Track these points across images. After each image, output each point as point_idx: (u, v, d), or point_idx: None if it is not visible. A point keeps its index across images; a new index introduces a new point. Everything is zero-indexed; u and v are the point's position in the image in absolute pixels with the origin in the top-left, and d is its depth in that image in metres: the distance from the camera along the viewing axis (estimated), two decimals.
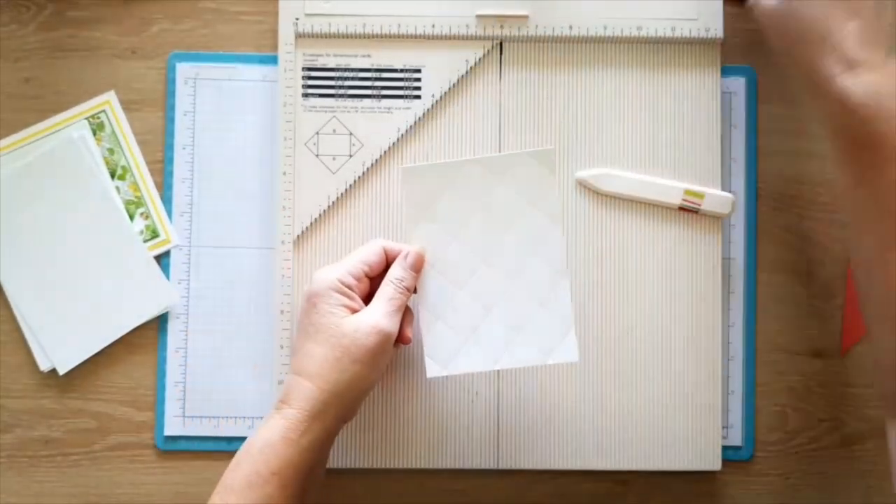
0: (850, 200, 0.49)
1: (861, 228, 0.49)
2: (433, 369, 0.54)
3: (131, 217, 0.61)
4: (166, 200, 0.61)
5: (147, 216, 0.61)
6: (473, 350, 0.54)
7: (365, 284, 0.54)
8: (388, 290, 0.53)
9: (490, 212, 0.55)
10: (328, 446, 0.53)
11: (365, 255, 0.54)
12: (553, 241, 0.54)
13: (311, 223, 0.60)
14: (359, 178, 0.60)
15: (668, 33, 0.60)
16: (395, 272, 0.53)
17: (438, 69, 0.60)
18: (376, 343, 0.51)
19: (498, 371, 0.59)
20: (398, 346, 0.54)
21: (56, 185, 0.60)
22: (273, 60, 0.61)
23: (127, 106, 0.62)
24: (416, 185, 0.54)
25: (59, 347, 0.60)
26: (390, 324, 0.51)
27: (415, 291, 0.55)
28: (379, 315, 0.51)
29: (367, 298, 0.53)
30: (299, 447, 0.49)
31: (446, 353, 0.54)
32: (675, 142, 0.60)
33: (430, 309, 0.55)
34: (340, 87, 0.60)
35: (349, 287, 0.52)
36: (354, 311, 0.52)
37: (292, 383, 0.51)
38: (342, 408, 0.51)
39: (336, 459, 0.59)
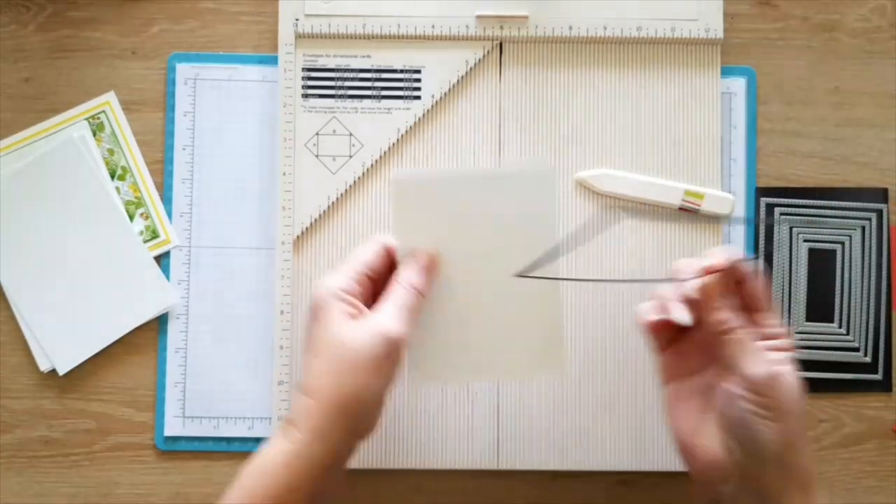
0: None
1: None
2: (416, 381, 0.53)
3: (131, 217, 0.61)
4: (166, 201, 0.61)
5: (147, 216, 0.61)
6: (459, 362, 0.53)
7: (367, 288, 0.50)
8: (395, 292, 0.49)
9: (483, 225, 0.52)
10: (337, 468, 0.47)
11: (365, 257, 0.50)
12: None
13: (311, 224, 0.60)
14: (359, 178, 0.60)
15: (668, 33, 0.60)
16: (405, 274, 0.49)
17: (438, 69, 0.60)
18: (380, 349, 0.46)
19: None
20: None
21: (56, 185, 0.60)
22: (273, 61, 0.61)
23: (127, 106, 0.62)
24: (407, 194, 0.52)
25: (59, 347, 0.60)
26: (396, 327, 0.47)
27: None
28: (382, 318, 0.47)
29: (372, 301, 0.50)
30: (300, 471, 0.45)
31: (431, 365, 0.52)
32: (675, 142, 0.60)
33: (420, 318, 0.52)
34: (340, 87, 0.60)
35: (351, 293, 0.48)
36: (356, 317, 0.48)
37: (295, 402, 0.47)
38: (348, 425, 0.46)
39: None
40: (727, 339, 0.47)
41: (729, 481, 0.47)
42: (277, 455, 0.46)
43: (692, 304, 0.48)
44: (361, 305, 0.48)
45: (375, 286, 0.50)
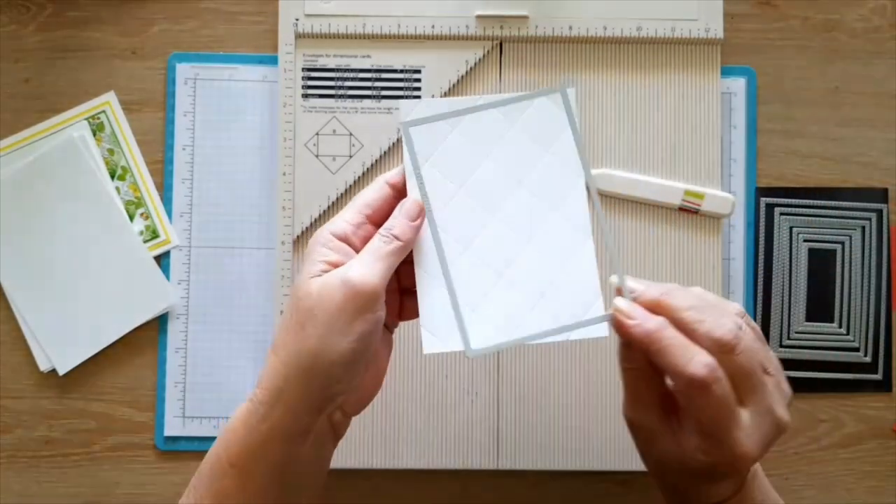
0: None
1: None
2: (432, 344, 0.45)
3: (131, 217, 0.61)
4: (166, 201, 0.61)
5: (147, 216, 0.61)
6: (481, 322, 0.45)
7: (368, 231, 0.44)
8: (372, 241, 0.43)
9: (502, 159, 0.46)
10: (305, 439, 0.42)
11: (365, 196, 0.44)
12: (574, 193, 0.46)
13: (311, 223, 0.60)
14: (359, 178, 0.60)
15: (668, 33, 0.60)
16: (386, 222, 0.44)
17: (438, 69, 0.60)
18: (343, 299, 0.40)
19: (498, 369, 0.59)
20: (398, 320, 0.47)
21: (56, 185, 0.60)
22: (273, 60, 0.61)
23: (127, 106, 0.62)
24: (418, 125, 0.46)
25: (59, 347, 0.60)
26: (365, 275, 0.41)
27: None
28: (351, 266, 0.42)
29: None
30: (259, 434, 0.41)
31: (448, 326, 0.45)
32: (675, 142, 0.60)
33: (430, 271, 0.45)
34: (340, 87, 0.60)
35: (342, 237, 0.43)
36: (340, 265, 0.43)
37: (266, 361, 0.43)
38: (311, 387, 0.41)
39: (336, 459, 0.58)
40: (650, 352, 0.41)
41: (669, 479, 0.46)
42: (239, 417, 0.42)
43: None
44: (350, 249, 0.43)
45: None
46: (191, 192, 0.61)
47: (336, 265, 0.42)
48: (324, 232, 0.43)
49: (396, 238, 0.43)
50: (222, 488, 0.41)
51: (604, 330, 0.45)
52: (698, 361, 0.40)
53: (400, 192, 0.45)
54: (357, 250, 0.43)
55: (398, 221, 0.44)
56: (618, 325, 0.42)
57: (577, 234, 0.46)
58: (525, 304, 0.46)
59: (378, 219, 0.44)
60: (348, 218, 0.44)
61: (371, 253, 0.42)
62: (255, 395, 0.42)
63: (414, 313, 0.45)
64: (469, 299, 0.45)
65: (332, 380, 0.41)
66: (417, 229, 0.44)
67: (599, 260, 0.46)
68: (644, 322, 0.41)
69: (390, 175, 0.45)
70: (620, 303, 0.43)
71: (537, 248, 0.46)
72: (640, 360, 0.43)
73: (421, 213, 0.45)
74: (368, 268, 0.41)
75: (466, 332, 0.45)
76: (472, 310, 0.45)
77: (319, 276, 0.42)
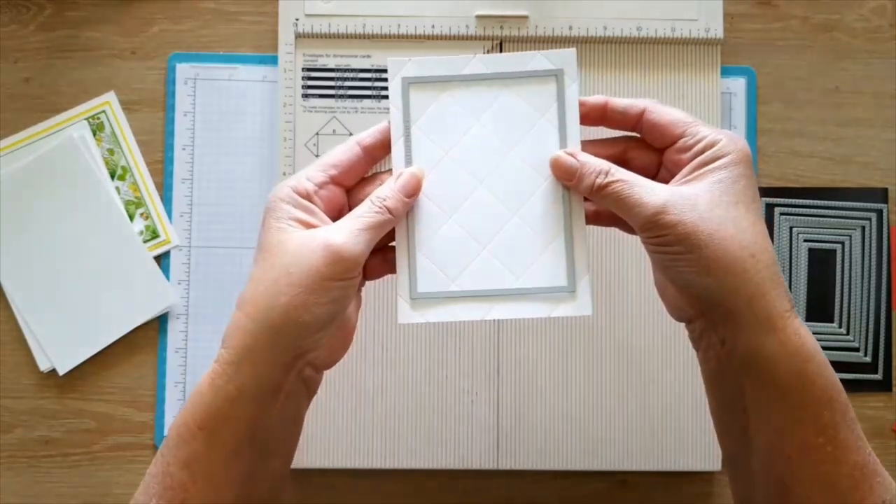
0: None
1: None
2: (407, 314, 0.44)
3: (131, 217, 0.61)
4: (166, 201, 0.61)
5: (147, 216, 0.61)
6: (461, 291, 0.44)
7: (333, 193, 0.43)
8: (361, 206, 0.42)
9: (493, 123, 0.45)
10: (274, 396, 0.40)
11: (332, 155, 0.43)
12: None
13: None
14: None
15: (668, 33, 0.60)
16: (379, 190, 0.43)
17: None
18: (324, 263, 0.39)
19: (498, 369, 0.59)
20: (365, 280, 0.45)
21: (56, 185, 0.60)
22: (273, 61, 0.61)
23: (127, 106, 0.62)
24: (420, 83, 0.45)
25: (59, 347, 0.60)
26: (349, 242, 0.40)
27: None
28: (333, 230, 0.41)
29: (343, 214, 0.43)
30: (227, 395, 0.39)
31: (426, 295, 0.44)
32: None
33: (409, 238, 0.45)
34: (340, 87, 0.60)
35: (305, 195, 0.42)
36: (311, 226, 0.41)
37: (230, 319, 0.41)
38: (280, 346, 0.40)
39: (337, 459, 0.59)
40: (604, 196, 0.42)
41: (693, 321, 0.43)
42: (205, 379, 0.40)
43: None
44: (315, 209, 0.42)
45: (352, 197, 0.44)
46: (191, 192, 0.61)
47: (303, 223, 0.41)
48: (285, 188, 0.42)
49: (389, 211, 0.42)
50: (191, 452, 0.39)
51: (588, 307, 0.44)
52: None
53: (370, 155, 0.44)
54: (333, 211, 0.43)
55: (394, 195, 0.42)
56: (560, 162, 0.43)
57: (569, 206, 0.44)
58: (507, 277, 0.44)
59: (343, 180, 0.43)
60: (311, 176, 0.42)
61: (358, 220, 0.41)
62: (221, 355, 0.40)
63: (379, 272, 0.45)
64: (450, 271, 0.44)
65: (303, 339, 0.40)
66: (410, 206, 0.43)
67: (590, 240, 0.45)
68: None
69: (363, 136, 0.44)
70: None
71: (524, 220, 0.44)
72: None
73: (417, 189, 0.43)
74: (353, 237, 0.41)
75: (445, 303, 0.44)
76: (452, 281, 0.44)
77: (289, 232, 0.41)
